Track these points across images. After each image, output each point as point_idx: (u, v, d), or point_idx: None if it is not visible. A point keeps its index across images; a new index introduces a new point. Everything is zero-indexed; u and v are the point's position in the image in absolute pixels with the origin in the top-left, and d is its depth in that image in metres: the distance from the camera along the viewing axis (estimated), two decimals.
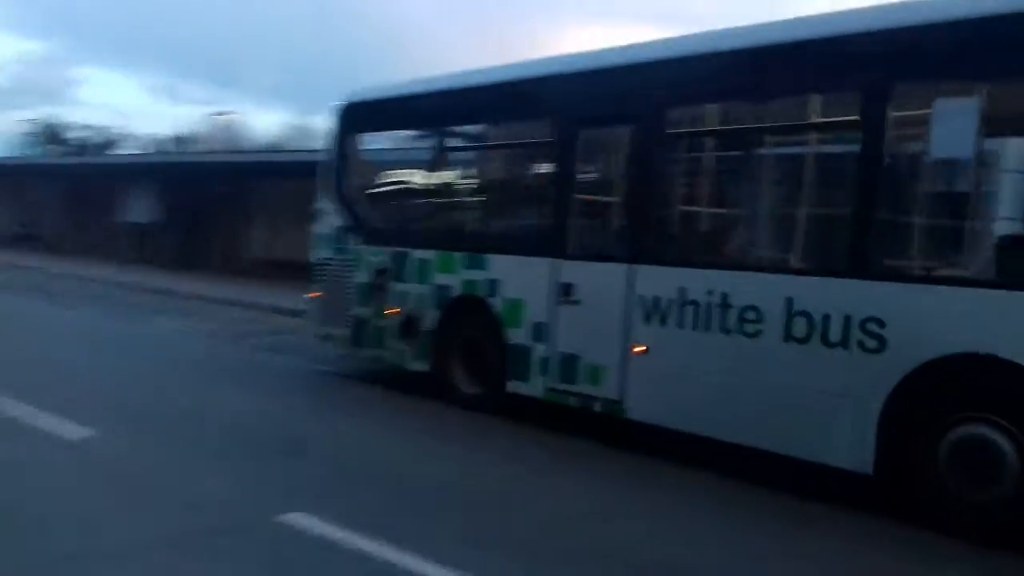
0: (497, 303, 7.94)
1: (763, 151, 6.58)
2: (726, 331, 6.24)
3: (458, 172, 9.25)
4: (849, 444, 5.60)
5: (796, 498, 5.88)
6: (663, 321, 6.63)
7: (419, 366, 8.75)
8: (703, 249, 6.92)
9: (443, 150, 8.80)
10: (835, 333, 5.64)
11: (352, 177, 9.83)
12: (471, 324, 8.30)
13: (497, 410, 7.91)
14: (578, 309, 7.24)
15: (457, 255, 8.36)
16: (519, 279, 7.78)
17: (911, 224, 5.46)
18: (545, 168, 7.86)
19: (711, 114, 6.83)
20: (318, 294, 9.98)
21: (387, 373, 9.43)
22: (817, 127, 6.24)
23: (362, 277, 9.34)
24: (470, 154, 9.22)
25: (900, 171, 5.57)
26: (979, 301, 5.09)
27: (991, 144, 5.17)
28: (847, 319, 5.58)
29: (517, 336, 7.76)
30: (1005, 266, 5.09)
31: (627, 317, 6.86)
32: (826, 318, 5.69)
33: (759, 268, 6.25)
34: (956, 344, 5.12)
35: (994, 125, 5.10)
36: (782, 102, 6.35)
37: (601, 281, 7.10)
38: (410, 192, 9.57)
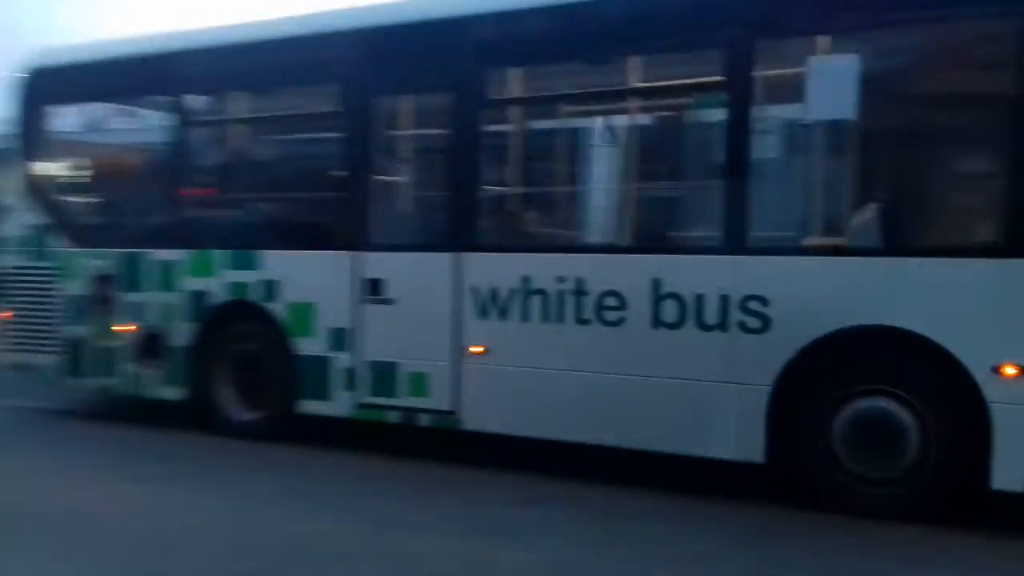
0: (279, 309, 6.56)
1: (617, 118, 5.94)
2: (583, 321, 5.55)
3: (212, 151, 7.60)
4: (736, 434, 5.17)
5: (687, 496, 5.36)
6: (504, 315, 5.77)
7: (171, 393, 7.07)
8: (551, 231, 6.17)
9: (187, 124, 7.11)
10: (712, 315, 5.20)
11: (47, 163, 7.75)
12: (243, 336, 6.82)
13: (283, 436, 6.57)
14: (392, 309, 6.14)
15: (217, 254, 6.81)
16: (308, 278, 6.48)
17: (790, 194, 5.16)
18: (340, 145, 6.58)
19: (550, 74, 6.04)
20: (6, 314, 7.77)
21: (125, 405, 7.59)
22: (674, 91, 5.74)
23: (74, 288, 7.38)
24: (227, 129, 7.53)
25: (770, 138, 5.23)
26: (865, 270, 4.90)
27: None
28: (725, 299, 5.16)
29: (309, 346, 6.46)
30: (886, 233, 4.95)
31: (457, 314, 5.92)
32: (700, 299, 5.22)
33: (620, 249, 5.64)
34: (845, 317, 4.88)
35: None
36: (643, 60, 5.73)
37: (421, 274, 6.08)
38: (138, 178, 7.73)
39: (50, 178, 7.73)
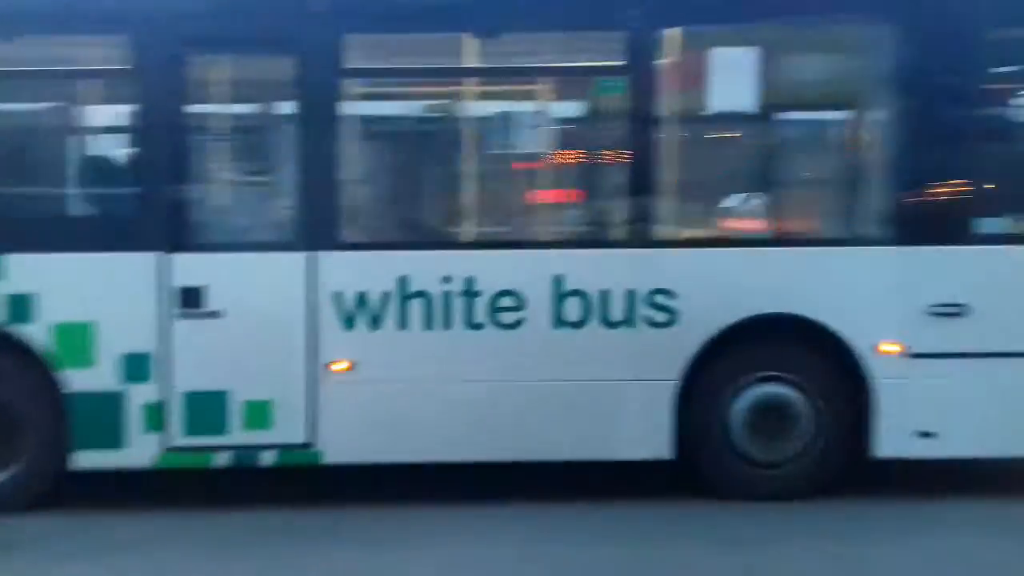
0: (38, 332, 4.86)
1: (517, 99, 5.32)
2: (475, 326, 4.95)
3: None
4: (644, 432, 5.00)
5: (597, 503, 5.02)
6: (376, 324, 4.91)
7: None
8: (434, 225, 5.35)
9: None
10: (618, 311, 4.98)
11: None
12: None
13: (39, 501, 4.89)
14: (218, 324, 4.87)
15: None
16: (85, 289, 4.88)
17: (694, 187, 5.13)
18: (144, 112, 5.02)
19: (417, 44, 5.22)
20: None
21: None
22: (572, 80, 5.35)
23: None
24: None
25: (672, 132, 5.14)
26: (764, 260, 5.08)
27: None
28: (631, 294, 4.98)
29: (87, 380, 4.85)
30: (778, 222, 5.19)
31: (313, 325, 4.92)
32: (605, 295, 4.97)
33: (517, 244, 5.11)
34: (747, 307, 5.00)
35: None
36: None
37: (262, 280, 4.93)
38: None
39: None
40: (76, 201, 5.49)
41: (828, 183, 5.47)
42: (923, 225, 5.00)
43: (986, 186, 5.15)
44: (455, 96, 5.26)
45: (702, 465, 5.09)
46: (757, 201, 5.32)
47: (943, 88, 4.99)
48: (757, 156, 5.47)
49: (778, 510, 4.92)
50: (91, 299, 4.87)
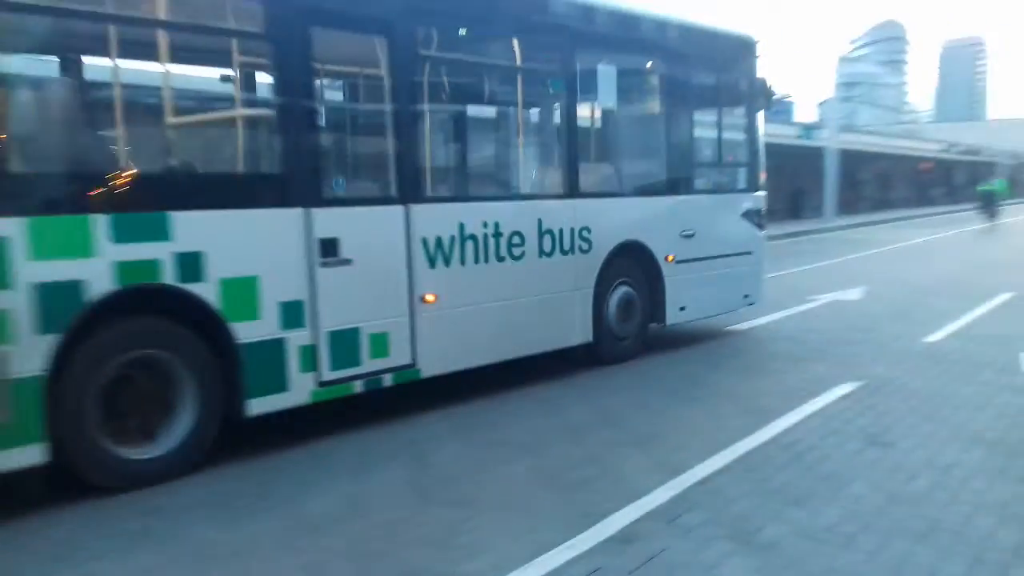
0: (208, 289, 4.86)
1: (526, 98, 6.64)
2: (500, 259, 6.58)
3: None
4: (580, 325, 7.34)
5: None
6: (447, 263, 6.18)
7: (20, 457, 4.19)
8: (478, 182, 6.36)
9: None
10: (567, 243, 7.14)
11: None
12: (144, 339, 4.66)
13: (196, 464, 4.99)
14: (348, 269, 5.55)
15: (93, 219, 4.42)
16: (247, 245, 5.04)
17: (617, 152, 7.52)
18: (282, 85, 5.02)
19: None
20: None
21: None
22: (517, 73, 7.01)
23: None
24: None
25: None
26: (629, 208, 7.76)
27: None
28: (572, 231, 7.18)
29: (255, 331, 5.10)
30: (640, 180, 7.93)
31: (410, 266, 5.93)
32: (560, 232, 7.08)
33: (522, 196, 6.71)
34: (620, 236, 7.65)
35: None
36: None
37: (376, 230, 5.74)
38: None
39: None
40: (234, 161, 5.42)
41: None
42: (669, 184, 8.35)
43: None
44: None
45: (604, 340, 7.61)
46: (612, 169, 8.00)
47: None
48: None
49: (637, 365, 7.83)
50: (253, 253, 5.11)
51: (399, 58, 5.90)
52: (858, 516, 4.11)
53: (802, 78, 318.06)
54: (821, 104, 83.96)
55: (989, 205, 28.03)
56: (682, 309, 8.38)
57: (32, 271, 4.25)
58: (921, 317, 9.82)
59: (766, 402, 6.22)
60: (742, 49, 9.20)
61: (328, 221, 5.46)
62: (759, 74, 9.27)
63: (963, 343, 8.36)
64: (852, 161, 34.73)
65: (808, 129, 31.91)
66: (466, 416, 6.09)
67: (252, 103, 5.65)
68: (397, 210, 5.90)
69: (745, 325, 9.61)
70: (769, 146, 9.74)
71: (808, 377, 6.99)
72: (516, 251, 6.74)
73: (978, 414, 5.85)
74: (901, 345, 8.30)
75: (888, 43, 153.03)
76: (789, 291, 12.10)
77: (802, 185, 32.58)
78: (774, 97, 9.50)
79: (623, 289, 7.86)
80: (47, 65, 5.44)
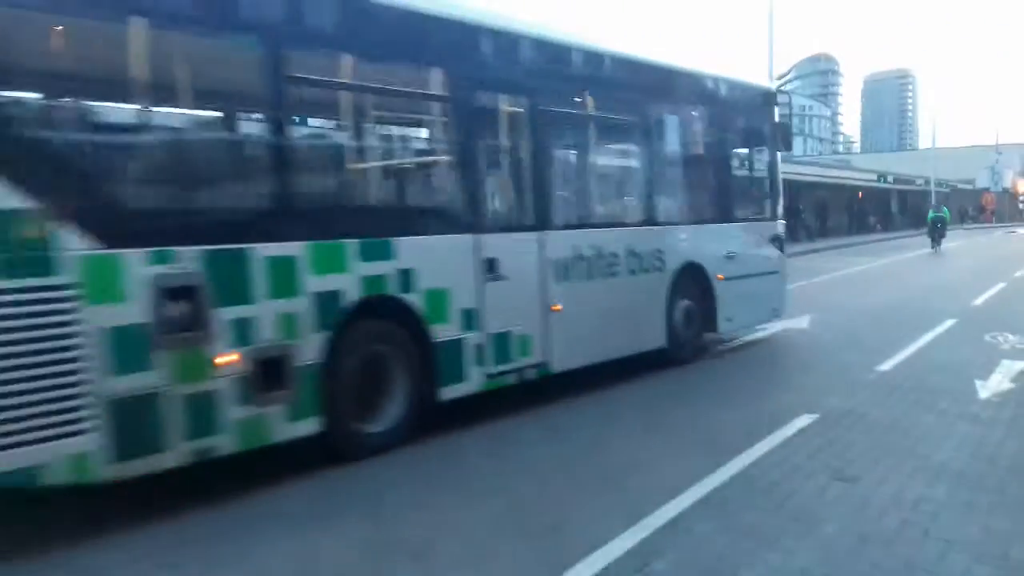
0: (416, 298, 6.11)
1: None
2: (603, 276, 7.94)
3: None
4: (656, 331, 8.71)
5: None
6: (568, 279, 7.51)
7: (303, 428, 5.40)
8: (585, 212, 7.71)
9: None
10: (648, 263, 8.52)
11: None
12: (376, 337, 5.91)
13: (409, 438, 6.20)
14: (504, 285, 6.84)
15: (348, 244, 5.66)
16: (440, 263, 6.32)
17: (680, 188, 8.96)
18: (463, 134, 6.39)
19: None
20: None
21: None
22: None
23: (118, 314, 4.51)
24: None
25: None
26: (689, 234, 9.18)
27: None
28: (651, 253, 8.58)
29: (445, 331, 6.37)
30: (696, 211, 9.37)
31: (544, 281, 7.24)
32: (643, 254, 8.46)
33: (622, 224, 8.11)
34: (684, 258, 9.07)
35: None
36: None
37: (521, 251, 7.06)
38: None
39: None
40: (431, 197, 6.97)
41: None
42: (716, 214, 9.82)
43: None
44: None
45: (673, 345, 8.99)
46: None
47: None
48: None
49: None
50: (445, 269, 6.38)
51: (536, 123, 7.35)
52: (832, 558, 4.07)
53: None
54: None
55: (937, 231, 30.37)
56: (729, 320, 9.83)
57: (312, 283, 5.48)
58: (871, 345, 9.97)
59: (727, 436, 6.17)
60: (766, 98, 10.79)
61: (490, 245, 6.78)
62: (778, 120, 10.88)
63: (915, 371, 8.44)
64: (790, 191, 36.72)
65: None
66: (423, 457, 5.99)
67: (442, 155, 6.95)
68: (534, 236, 7.24)
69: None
70: None
71: (766, 409, 6.99)
72: (613, 269, 8.11)
73: (939, 445, 5.83)
74: (854, 375, 8.35)
75: (820, 76, 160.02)
76: None
77: None
78: (792, 139, 11.10)
79: (685, 302, 9.25)
80: (326, 133, 6.72)
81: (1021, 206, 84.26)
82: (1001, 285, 16.69)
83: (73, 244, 4.35)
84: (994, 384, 7.70)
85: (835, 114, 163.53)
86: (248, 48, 5.40)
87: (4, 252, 4.14)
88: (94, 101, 5.06)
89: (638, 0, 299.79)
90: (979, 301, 14.24)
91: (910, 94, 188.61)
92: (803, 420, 6.51)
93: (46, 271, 4.27)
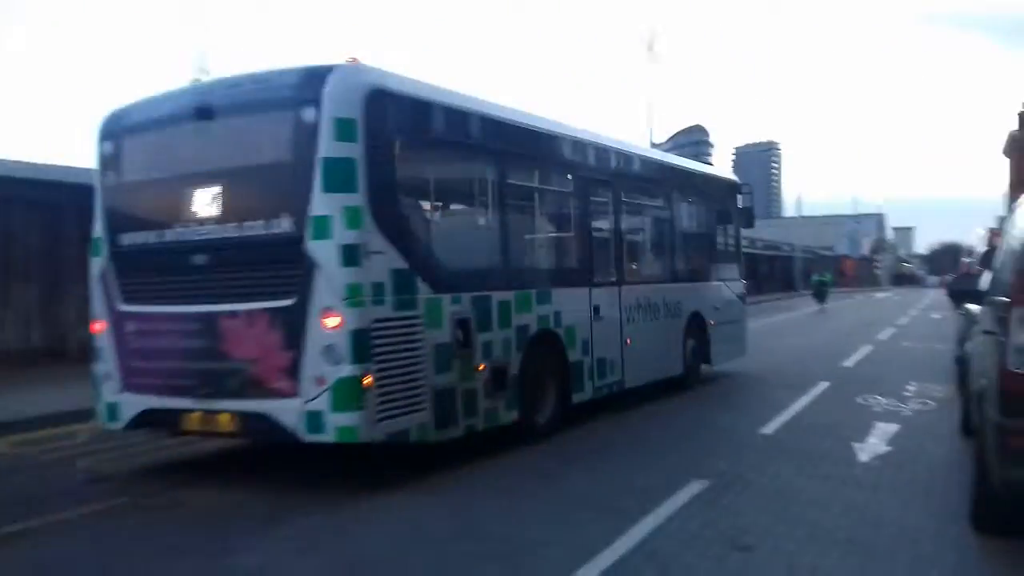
0: (561, 332, 8.93)
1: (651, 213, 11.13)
2: (650, 319, 10.93)
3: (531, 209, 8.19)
4: (676, 362, 11.74)
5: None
6: (632, 321, 10.45)
7: (508, 417, 8.14)
8: (641, 273, 10.68)
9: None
10: (671, 309, 11.57)
11: (404, 195, 7.25)
12: (542, 357, 8.66)
13: (556, 429, 8.90)
14: (602, 323, 9.72)
15: (532, 292, 8.49)
16: (571, 307, 9.17)
17: (689, 255, 12.10)
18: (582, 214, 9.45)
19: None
20: (368, 379, 6.45)
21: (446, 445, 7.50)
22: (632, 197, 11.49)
23: (437, 336, 7.18)
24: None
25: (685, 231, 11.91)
26: (695, 289, 12.31)
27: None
28: (674, 302, 11.63)
29: (574, 355, 9.20)
30: (697, 272, 12.50)
31: (621, 322, 10.16)
32: (667, 303, 11.50)
33: (660, 281, 11.15)
34: (692, 307, 12.17)
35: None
36: None
37: (610, 300, 9.99)
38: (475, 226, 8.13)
39: (404, 213, 6.86)
40: (563, 260, 9.88)
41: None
42: (709, 274, 13.05)
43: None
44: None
45: (686, 373, 12.01)
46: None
47: None
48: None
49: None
50: (573, 311, 9.26)
51: (618, 211, 10.44)
52: None
53: None
54: None
55: (820, 293, 35.12)
56: (717, 355, 13.00)
57: (516, 319, 8.24)
58: (752, 407, 11.02)
59: (621, 503, 6.17)
60: (736, 187, 14.28)
61: (595, 295, 9.68)
62: (742, 204, 14.32)
63: (795, 434, 8.77)
64: None
65: None
66: (577, 438, 8.45)
67: (572, 233, 9.86)
68: (616, 289, 10.19)
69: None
70: None
71: (657, 474, 7.15)
72: (655, 314, 11.13)
73: (826, 511, 5.93)
74: (739, 438, 8.69)
75: (693, 146, 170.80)
76: None
77: None
78: (754, 218, 14.57)
79: (692, 341, 12.35)
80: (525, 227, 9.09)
81: (875, 271, 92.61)
82: (868, 348, 17.92)
83: (423, 291, 7.04)
84: (871, 447, 7.97)
85: None
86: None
87: (397, 295, 6.77)
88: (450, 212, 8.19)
89: (524, 66, 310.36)
90: (849, 363, 15.44)
91: (775, 164, 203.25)
92: (695, 486, 6.54)
93: (413, 307, 6.93)
